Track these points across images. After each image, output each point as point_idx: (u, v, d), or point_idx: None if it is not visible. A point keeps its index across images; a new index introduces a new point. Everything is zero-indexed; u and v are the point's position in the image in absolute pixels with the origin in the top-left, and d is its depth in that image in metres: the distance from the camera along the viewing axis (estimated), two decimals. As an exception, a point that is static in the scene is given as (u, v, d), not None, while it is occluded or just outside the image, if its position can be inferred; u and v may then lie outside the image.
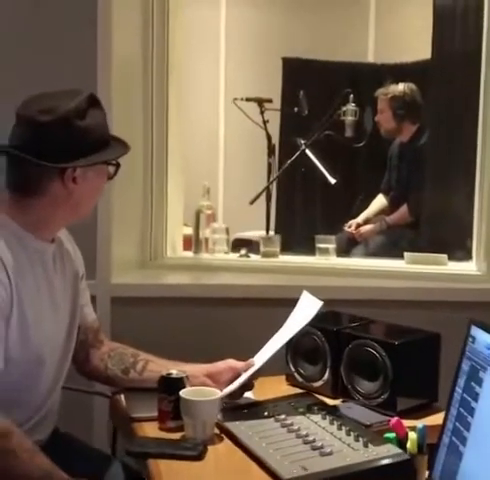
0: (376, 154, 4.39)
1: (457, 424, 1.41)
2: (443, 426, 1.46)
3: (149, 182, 2.88)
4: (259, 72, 5.02)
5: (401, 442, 1.55)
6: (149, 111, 2.85)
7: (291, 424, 1.70)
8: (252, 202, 3.13)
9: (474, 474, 1.32)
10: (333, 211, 4.55)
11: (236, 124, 4.51)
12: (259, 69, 5.05)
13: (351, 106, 3.50)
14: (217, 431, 1.73)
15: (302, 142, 3.32)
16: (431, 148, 3.53)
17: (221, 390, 1.82)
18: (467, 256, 2.88)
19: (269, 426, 1.72)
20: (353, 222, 4.20)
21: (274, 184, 3.32)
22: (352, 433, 1.63)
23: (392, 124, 4.09)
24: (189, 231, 3.11)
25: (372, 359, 1.89)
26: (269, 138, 3.20)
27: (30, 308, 1.65)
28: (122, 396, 1.95)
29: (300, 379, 2.07)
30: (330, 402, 1.91)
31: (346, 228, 4.19)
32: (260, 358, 1.91)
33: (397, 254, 3.07)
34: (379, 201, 4.28)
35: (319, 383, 2.02)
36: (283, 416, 1.75)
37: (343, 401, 1.95)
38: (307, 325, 1.92)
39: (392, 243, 3.90)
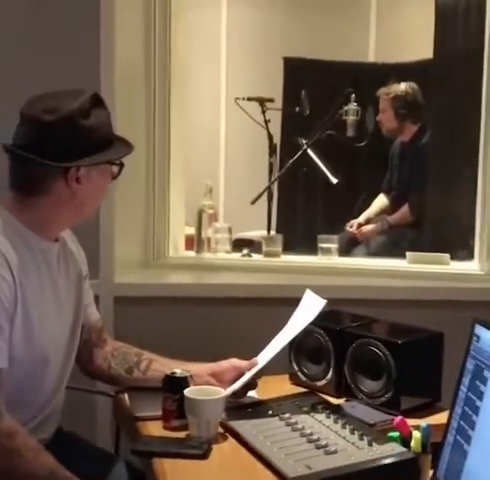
0: (378, 154, 4.38)
1: (462, 423, 1.41)
2: (447, 425, 1.46)
3: (151, 182, 2.88)
4: (260, 72, 5.01)
5: (405, 441, 1.55)
6: (151, 112, 2.85)
7: (295, 423, 1.71)
8: (253, 202, 3.13)
9: (479, 473, 1.32)
10: (335, 211, 4.54)
11: (238, 124, 4.50)
12: (260, 69, 5.04)
13: (353, 106, 3.51)
14: (221, 430, 1.73)
15: (304, 142, 3.32)
16: (433, 148, 3.53)
17: (225, 389, 1.82)
18: (469, 255, 2.88)
19: (273, 425, 1.72)
20: (354, 222, 4.19)
21: (275, 184, 3.32)
22: (356, 432, 1.63)
23: (394, 124, 4.08)
24: (191, 231, 3.11)
25: (375, 358, 1.89)
26: (270, 138, 3.20)
27: (34, 307, 1.65)
28: (126, 395, 1.95)
29: (303, 378, 2.07)
30: (334, 401, 1.91)
31: (348, 228, 4.18)
32: (263, 357, 1.92)
33: (398, 254, 3.08)
34: (380, 201, 4.27)
35: (322, 382, 2.02)
36: (287, 415, 1.75)
37: (347, 400, 1.95)
38: (310, 324, 1.93)
39: (393, 243, 3.90)
